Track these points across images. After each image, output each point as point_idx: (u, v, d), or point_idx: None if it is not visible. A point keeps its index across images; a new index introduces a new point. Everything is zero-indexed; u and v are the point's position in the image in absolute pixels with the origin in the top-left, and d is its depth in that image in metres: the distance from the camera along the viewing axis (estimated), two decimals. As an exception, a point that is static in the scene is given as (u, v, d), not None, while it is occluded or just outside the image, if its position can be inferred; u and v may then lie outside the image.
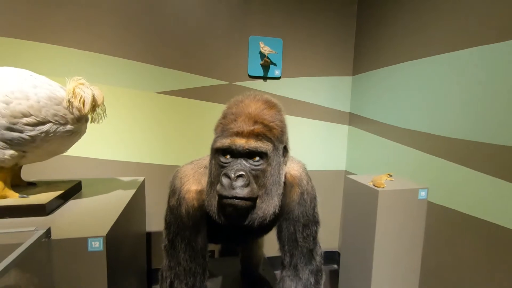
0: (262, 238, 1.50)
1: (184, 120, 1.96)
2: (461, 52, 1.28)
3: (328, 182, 2.29)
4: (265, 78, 2.06)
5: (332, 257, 2.32)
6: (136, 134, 1.89)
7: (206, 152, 0.89)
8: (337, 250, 2.33)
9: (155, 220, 1.98)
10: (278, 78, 2.09)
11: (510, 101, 1.09)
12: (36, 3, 1.68)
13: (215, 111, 1.99)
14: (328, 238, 2.32)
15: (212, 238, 1.00)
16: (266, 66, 2.02)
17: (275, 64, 2.04)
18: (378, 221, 1.17)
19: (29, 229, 0.72)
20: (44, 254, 0.78)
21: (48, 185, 1.22)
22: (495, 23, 1.15)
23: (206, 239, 0.95)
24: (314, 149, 2.24)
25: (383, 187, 1.19)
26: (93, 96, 1.10)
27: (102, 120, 1.15)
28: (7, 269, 0.50)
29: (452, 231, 1.33)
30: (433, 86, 1.44)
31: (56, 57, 1.73)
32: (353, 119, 2.21)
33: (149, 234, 1.99)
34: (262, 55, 1.98)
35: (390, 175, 1.38)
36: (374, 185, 1.22)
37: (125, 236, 1.26)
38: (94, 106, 1.11)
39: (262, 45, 1.94)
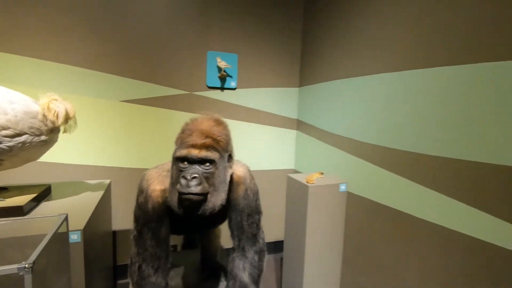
0: (219, 231, 1.74)
1: (147, 127, 2.13)
2: (382, 75, 1.65)
3: (278, 179, 2.60)
4: (222, 88, 2.31)
5: (280, 246, 2.65)
6: (102, 140, 2.02)
7: (168, 155, 1.12)
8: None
9: (120, 220, 2.13)
10: (234, 89, 2.35)
11: (405, 117, 1.47)
12: (0, 14, 1.74)
13: (176, 118, 2.18)
14: (277, 229, 2.64)
15: (174, 229, 1.22)
16: (223, 79, 2.27)
17: (231, 76, 2.30)
18: (308, 210, 1.49)
19: (53, 215, 0.89)
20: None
21: (20, 189, 1.34)
22: (402, 55, 1.53)
23: (168, 229, 1.17)
24: (267, 151, 2.54)
25: (312, 183, 1.51)
26: (66, 110, 1.26)
27: (73, 131, 1.31)
28: (45, 249, 0.69)
29: (366, 216, 1.71)
30: (360, 101, 1.81)
31: (22, 67, 1.81)
32: (300, 125, 2.55)
33: (114, 233, 2.13)
34: (219, 69, 2.22)
35: (322, 173, 1.72)
36: (306, 181, 1.54)
37: (95, 233, 1.42)
38: (67, 119, 1.27)
39: (219, 60, 2.18)
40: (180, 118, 2.17)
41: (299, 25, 2.50)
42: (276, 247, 2.62)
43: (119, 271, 2.15)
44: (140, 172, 1.18)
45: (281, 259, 2.57)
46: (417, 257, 1.41)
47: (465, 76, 1.19)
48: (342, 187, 1.57)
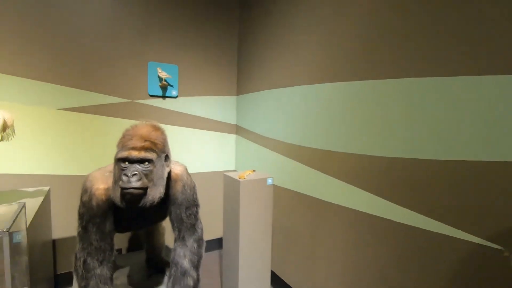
0: (163, 229, 1.88)
1: (88, 134, 2.16)
2: (301, 87, 2.00)
3: (220, 180, 2.83)
4: (164, 97, 2.46)
5: (220, 243, 2.85)
6: (40, 148, 1.98)
7: (109, 161, 1.25)
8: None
9: (60, 229, 2.11)
10: (175, 97, 2.52)
11: (317, 122, 1.83)
12: None
13: (118, 125, 2.26)
14: (219, 226, 2.86)
15: (119, 226, 1.35)
16: (164, 88, 2.43)
17: (172, 86, 2.47)
18: (241, 203, 1.75)
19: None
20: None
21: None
22: (315, 72, 1.89)
23: (112, 225, 1.30)
24: (210, 154, 2.75)
25: (244, 179, 1.77)
26: (4, 120, 1.31)
27: (11, 139, 1.37)
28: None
29: (290, 203, 2.04)
30: (283, 108, 2.14)
31: None
32: (239, 130, 2.82)
33: (54, 242, 2.11)
34: (160, 79, 2.38)
35: (254, 171, 2.00)
36: (239, 178, 1.80)
37: (36, 240, 1.46)
38: (5, 127, 1.32)
39: (159, 70, 2.34)
40: (121, 125, 2.24)
41: (235, 39, 2.78)
42: (220, 243, 2.83)
43: (60, 280, 2.13)
44: (80, 180, 1.29)
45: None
46: (327, 232, 1.77)
47: (358, 89, 1.58)
48: (269, 181, 1.87)
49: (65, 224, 2.12)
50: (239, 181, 1.74)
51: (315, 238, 1.85)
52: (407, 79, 1.32)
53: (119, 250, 2.34)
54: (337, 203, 1.69)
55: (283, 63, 2.15)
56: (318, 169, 1.82)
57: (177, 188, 1.40)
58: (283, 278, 2.15)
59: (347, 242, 1.64)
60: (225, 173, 1.91)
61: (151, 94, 2.40)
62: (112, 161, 1.21)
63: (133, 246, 2.42)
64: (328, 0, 1.74)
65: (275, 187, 2.19)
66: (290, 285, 2.08)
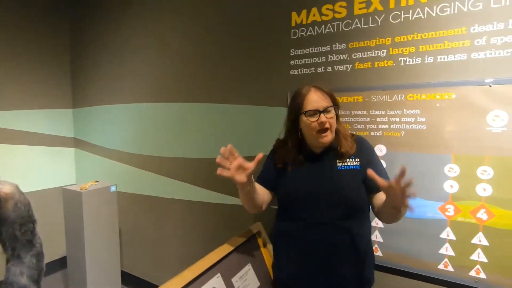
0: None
1: None
2: (133, 104, 2.31)
3: (59, 197, 2.71)
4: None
5: (63, 263, 2.70)
6: None
7: None
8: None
9: None
10: (-9, 112, 2.25)
11: (148, 134, 2.21)
12: None
13: None
14: (60, 244, 2.70)
15: None
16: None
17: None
18: (84, 214, 1.90)
19: None
20: None
21: None
22: (142, 93, 2.25)
23: None
24: (44, 170, 2.60)
25: (85, 189, 1.93)
26: None
27: None
28: None
29: (135, 205, 2.36)
30: (122, 122, 2.39)
31: None
32: (78, 143, 2.81)
33: None
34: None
35: (96, 181, 2.16)
36: (80, 189, 1.93)
37: None
38: None
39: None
40: None
41: (67, 55, 2.74)
42: (62, 263, 2.70)
43: None
44: None
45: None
46: (167, 222, 2.20)
47: (176, 108, 2.09)
48: (112, 188, 2.10)
49: None
50: (80, 192, 1.89)
51: (159, 230, 2.25)
52: (204, 104, 1.96)
53: None
54: (171, 197, 2.16)
55: (117, 82, 2.41)
56: (153, 171, 2.23)
57: (8, 207, 1.44)
58: (135, 274, 2.42)
59: (183, 225, 2.13)
60: (64, 187, 1.98)
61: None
62: None
63: None
64: (153, 36, 2.17)
65: (120, 193, 2.42)
66: (143, 278, 2.38)
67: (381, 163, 1.16)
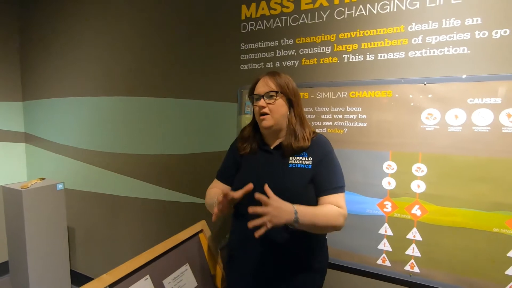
0: None
1: None
2: (87, 97, 2.19)
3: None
4: None
5: (4, 267, 2.51)
6: None
7: None
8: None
9: None
10: None
11: (104, 129, 2.11)
12: None
13: None
14: (2, 248, 2.49)
15: None
16: None
17: None
18: (25, 214, 1.79)
19: None
20: None
21: None
22: (98, 85, 2.13)
23: None
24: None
25: (26, 187, 1.81)
26: None
27: None
28: None
29: (86, 203, 2.26)
30: (75, 116, 2.27)
31: None
32: (29, 138, 2.64)
33: None
34: None
35: (43, 178, 2.04)
36: (21, 187, 1.81)
37: None
38: None
39: None
40: None
41: (15, 42, 2.56)
42: (4, 268, 2.52)
43: None
44: None
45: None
46: (122, 220, 2.12)
47: (133, 103, 1.99)
48: (59, 186, 1.99)
49: None
50: (20, 191, 1.77)
51: (112, 228, 2.16)
52: (157, 98, 1.88)
53: None
54: (124, 194, 2.08)
55: (71, 74, 2.28)
56: (107, 168, 2.13)
57: None
58: (87, 274, 2.32)
59: (136, 224, 2.05)
60: (4, 186, 1.86)
61: None
62: None
63: None
64: (104, 29, 2.06)
65: (70, 191, 2.30)
66: (96, 278, 2.28)
67: (336, 165, 1.10)
